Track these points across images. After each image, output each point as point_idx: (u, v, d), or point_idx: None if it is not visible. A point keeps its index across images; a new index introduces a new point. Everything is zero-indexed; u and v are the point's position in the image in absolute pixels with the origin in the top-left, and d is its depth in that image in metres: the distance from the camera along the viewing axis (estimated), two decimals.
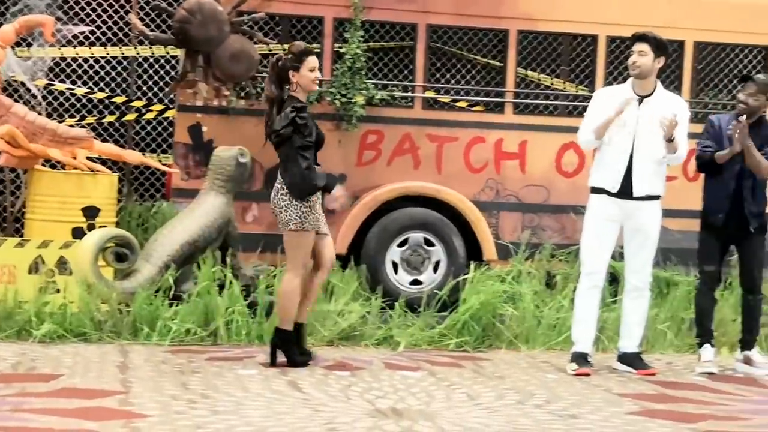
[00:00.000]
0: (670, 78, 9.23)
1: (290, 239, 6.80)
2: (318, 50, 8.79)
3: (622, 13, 9.10)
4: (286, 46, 8.74)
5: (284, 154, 6.77)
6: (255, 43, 8.56)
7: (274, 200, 6.83)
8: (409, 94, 8.94)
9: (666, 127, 7.03)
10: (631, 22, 8.81)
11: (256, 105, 8.64)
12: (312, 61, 6.74)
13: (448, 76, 9.08)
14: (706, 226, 7.57)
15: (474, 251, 8.86)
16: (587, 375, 7.14)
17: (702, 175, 7.68)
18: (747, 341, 7.70)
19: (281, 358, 6.94)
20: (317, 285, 7.04)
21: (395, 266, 8.78)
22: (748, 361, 7.63)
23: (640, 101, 7.23)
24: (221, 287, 7.75)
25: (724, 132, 7.45)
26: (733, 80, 9.36)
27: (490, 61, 9.15)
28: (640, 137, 7.18)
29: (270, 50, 8.83)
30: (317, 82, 6.87)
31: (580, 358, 7.30)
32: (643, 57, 7.20)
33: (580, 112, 8.72)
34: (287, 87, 6.76)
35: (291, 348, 6.94)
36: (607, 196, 7.26)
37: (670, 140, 7.08)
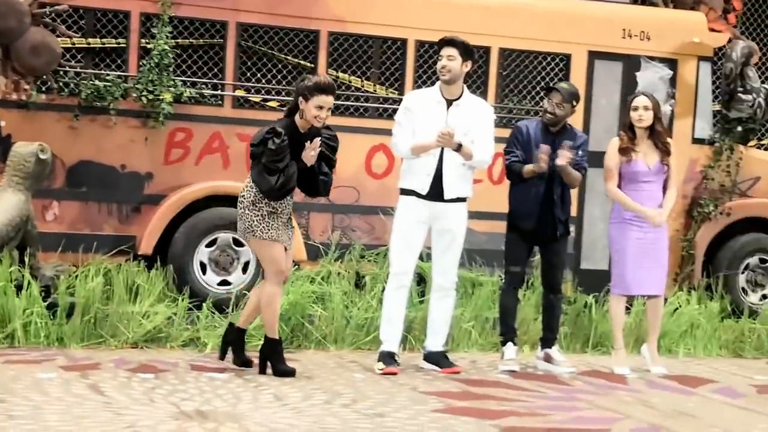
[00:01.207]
0: (477, 83, 9.43)
1: (257, 248, 6.94)
2: (124, 45, 8.58)
3: (431, 18, 9.23)
4: (90, 40, 8.57)
5: (253, 166, 6.84)
6: (57, 36, 8.26)
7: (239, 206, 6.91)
8: (219, 92, 8.83)
9: (441, 138, 7.16)
10: (440, 27, 8.96)
11: (58, 99, 8.36)
12: (320, 100, 6.75)
13: (258, 75, 9.00)
14: (514, 229, 7.76)
15: None
16: (394, 374, 7.20)
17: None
18: (548, 339, 7.93)
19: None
20: (262, 294, 6.97)
21: (203, 267, 8.64)
22: (548, 359, 7.86)
23: (449, 105, 7.36)
24: (19, 288, 7.46)
25: (533, 140, 7.64)
26: (536, 87, 9.64)
27: (301, 62, 9.13)
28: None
29: (73, 44, 8.56)
30: (321, 120, 6.81)
31: (388, 357, 7.36)
32: (451, 61, 7.33)
33: (390, 115, 8.83)
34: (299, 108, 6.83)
35: (274, 355, 6.93)
36: (416, 198, 7.36)
37: (457, 149, 7.22)
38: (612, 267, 8.04)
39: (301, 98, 6.82)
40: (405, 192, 7.41)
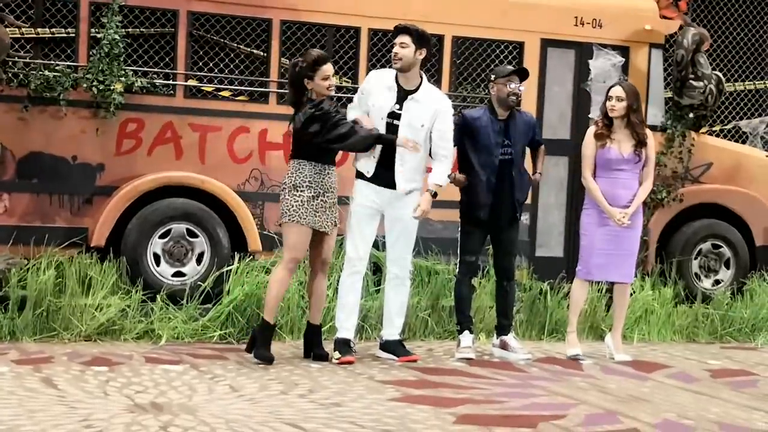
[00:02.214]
0: (430, 72, 9.41)
1: (284, 231, 7.17)
2: (73, 35, 8.47)
3: (384, 7, 9.21)
4: (39, 30, 8.46)
5: (322, 142, 7.10)
6: (6, 26, 8.14)
7: None
8: (171, 82, 8.74)
9: (410, 149, 7.25)
10: (393, 15, 8.93)
11: (7, 91, 8.22)
12: (325, 69, 7.07)
13: (211, 64, 8.93)
14: (468, 218, 7.76)
15: (239, 242, 8.75)
16: (351, 363, 7.19)
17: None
18: (503, 326, 7.96)
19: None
20: (316, 288, 7.29)
21: (157, 258, 8.55)
22: (504, 346, 7.89)
23: (405, 97, 7.35)
24: None
25: (482, 127, 7.65)
26: (490, 75, 9.63)
27: (254, 51, 9.06)
28: (403, 131, 7.31)
29: (22, 34, 8.43)
30: (332, 87, 7.16)
31: (344, 345, 7.35)
32: (404, 49, 7.33)
33: (344, 104, 8.78)
34: (306, 92, 7.12)
35: (261, 338, 7.08)
36: (367, 185, 7.35)
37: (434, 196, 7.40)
38: (579, 252, 8.08)
39: (306, 80, 7.07)
40: (359, 175, 7.43)
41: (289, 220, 7.10)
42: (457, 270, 7.87)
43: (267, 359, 7.03)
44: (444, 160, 7.46)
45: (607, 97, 7.96)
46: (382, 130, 7.33)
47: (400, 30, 7.40)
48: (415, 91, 7.39)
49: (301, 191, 7.09)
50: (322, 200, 7.12)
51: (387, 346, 7.58)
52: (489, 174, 7.66)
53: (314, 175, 7.13)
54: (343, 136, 7.08)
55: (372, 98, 7.39)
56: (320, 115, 7.05)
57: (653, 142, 8.10)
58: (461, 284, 7.83)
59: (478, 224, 7.73)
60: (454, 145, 7.63)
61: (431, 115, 7.38)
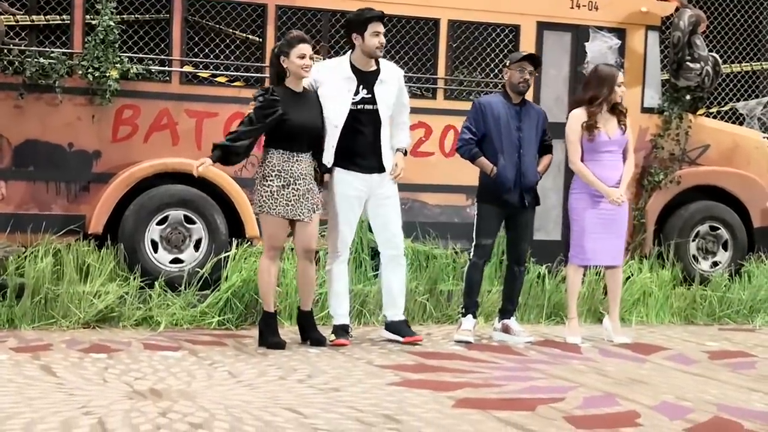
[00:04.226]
0: (426, 56, 9.40)
1: (261, 222, 7.21)
2: (68, 22, 8.45)
3: None
4: (34, 17, 8.43)
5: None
6: (1, 14, 8.11)
7: None
8: (166, 68, 8.72)
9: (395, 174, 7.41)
10: (391, 0, 8.93)
11: (2, 78, 8.20)
12: (302, 48, 7.04)
13: (207, 50, 8.90)
14: (488, 200, 7.74)
15: (236, 228, 8.75)
16: (344, 345, 7.22)
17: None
18: (507, 311, 7.96)
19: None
20: (302, 275, 7.29)
21: (155, 245, 8.54)
22: (507, 330, 7.90)
23: (366, 79, 7.37)
24: None
25: (496, 115, 7.64)
26: (486, 59, 9.63)
27: (250, 36, 9.04)
28: (383, 111, 7.38)
29: (17, 21, 8.41)
30: (308, 68, 7.09)
31: (341, 331, 7.38)
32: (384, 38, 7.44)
33: None
34: (284, 72, 7.10)
35: (266, 328, 7.14)
36: (349, 173, 7.37)
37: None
38: (571, 237, 8.06)
39: (282, 58, 7.06)
40: (335, 164, 7.42)
41: (260, 211, 7.11)
42: (472, 253, 7.83)
43: (279, 345, 7.06)
44: (405, 126, 7.67)
45: (611, 84, 7.85)
46: (343, 119, 7.30)
47: (381, 18, 7.40)
48: (377, 72, 7.43)
49: (270, 181, 7.04)
50: (293, 188, 7.05)
51: (392, 326, 7.60)
52: (512, 155, 7.66)
53: (282, 164, 7.07)
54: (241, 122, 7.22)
55: (326, 89, 7.35)
56: (257, 97, 7.11)
57: (630, 121, 8.09)
58: (475, 268, 7.79)
59: (497, 206, 7.71)
60: (477, 133, 7.68)
61: (397, 90, 7.51)
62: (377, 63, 7.47)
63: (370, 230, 7.69)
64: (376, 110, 7.38)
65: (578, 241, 7.96)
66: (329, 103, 7.33)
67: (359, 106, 7.36)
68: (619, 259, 8.06)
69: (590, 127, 7.84)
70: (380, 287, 7.84)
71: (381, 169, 7.42)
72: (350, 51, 7.48)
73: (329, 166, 7.37)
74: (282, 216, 7.04)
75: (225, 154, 7.06)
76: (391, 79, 7.49)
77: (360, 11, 7.47)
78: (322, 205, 7.27)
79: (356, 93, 7.36)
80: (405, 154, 7.61)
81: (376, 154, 7.39)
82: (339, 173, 7.41)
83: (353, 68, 7.41)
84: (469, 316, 7.78)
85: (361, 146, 7.37)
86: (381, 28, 7.38)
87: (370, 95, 7.39)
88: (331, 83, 7.36)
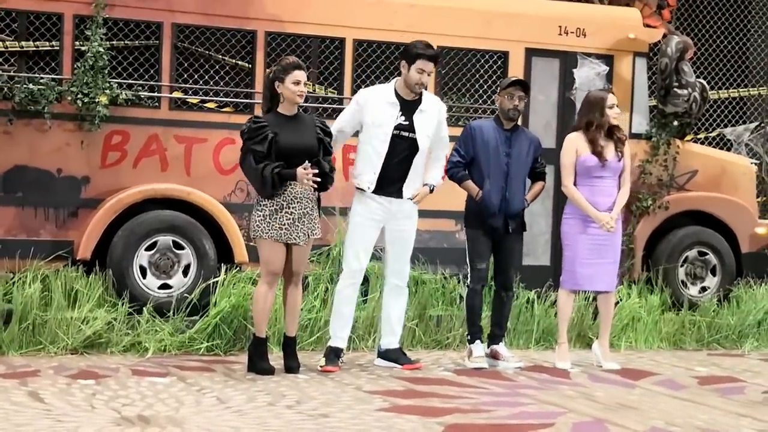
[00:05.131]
0: None
1: (257, 246, 7.12)
2: (57, 48, 8.46)
3: (369, 18, 9.21)
4: (24, 43, 8.44)
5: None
6: None
7: None
8: (156, 94, 8.73)
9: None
10: (378, 26, 8.98)
11: None
12: (296, 75, 7.04)
13: (196, 76, 8.92)
14: (476, 225, 7.76)
15: (225, 254, 8.74)
16: (332, 372, 7.21)
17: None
18: (496, 336, 7.97)
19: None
20: (288, 299, 7.25)
21: (143, 270, 8.53)
22: (495, 355, 7.89)
23: (413, 109, 7.43)
24: None
25: (486, 140, 7.68)
26: (475, 85, 9.67)
27: (239, 62, 9.06)
28: (422, 141, 7.46)
29: (6, 47, 8.42)
30: (302, 94, 7.08)
31: (332, 354, 7.37)
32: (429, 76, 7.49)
33: (330, 114, 8.80)
34: (279, 97, 7.09)
35: (255, 353, 7.12)
36: (372, 196, 7.38)
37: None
38: (563, 262, 8.07)
39: (277, 83, 7.06)
40: (361, 190, 7.47)
41: (254, 236, 7.10)
42: (469, 279, 7.85)
43: (268, 371, 7.04)
44: (439, 163, 7.68)
45: (601, 107, 7.89)
46: (387, 144, 7.35)
47: (432, 58, 7.41)
48: (419, 101, 7.46)
49: (263, 205, 7.03)
50: (287, 212, 7.01)
51: (388, 354, 7.60)
52: (498, 181, 7.69)
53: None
54: (240, 163, 7.17)
55: (370, 113, 7.40)
56: (243, 131, 7.06)
57: (629, 147, 8.12)
58: (475, 294, 7.81)
59: (486, 230, 7.74)
60: (465, 156, 7.73)
61: (436, 123, 7.55)
62: (420, 94, 7.49)
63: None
64: (412, 138, 7.41)
65: (570, 266, 7.97)
66: (372, 130, 7.37)
67: (396, 131, 7.39)
68: (612, 285, 8.06)
69: (598, 153, 7.85)
70: (370, 313, 7.86)
71: (400, 194, 7.45)
72: (397, 78, 7.54)
73: (370, 191, 7.39)
74: (275, 240, 7.01)
75: (286, 177, 7.02)
76: (431, 109, 7.51)
77: (416, 44, 7.47)
78: (320, 231, 7.25)
79: (396, 118, 7.39)
80: (431, 191, 7.61)
81: (402, 181, 7.44)
82: (360, 195, 7.44)
83: (397, 95, 7.45)
84: (477, 341, 7.79)
85: (390, 172, 7.40)
86: (428, 68, 7.38)
87: (408, 122, 7.41)
88: (374, 107, 7.40)
